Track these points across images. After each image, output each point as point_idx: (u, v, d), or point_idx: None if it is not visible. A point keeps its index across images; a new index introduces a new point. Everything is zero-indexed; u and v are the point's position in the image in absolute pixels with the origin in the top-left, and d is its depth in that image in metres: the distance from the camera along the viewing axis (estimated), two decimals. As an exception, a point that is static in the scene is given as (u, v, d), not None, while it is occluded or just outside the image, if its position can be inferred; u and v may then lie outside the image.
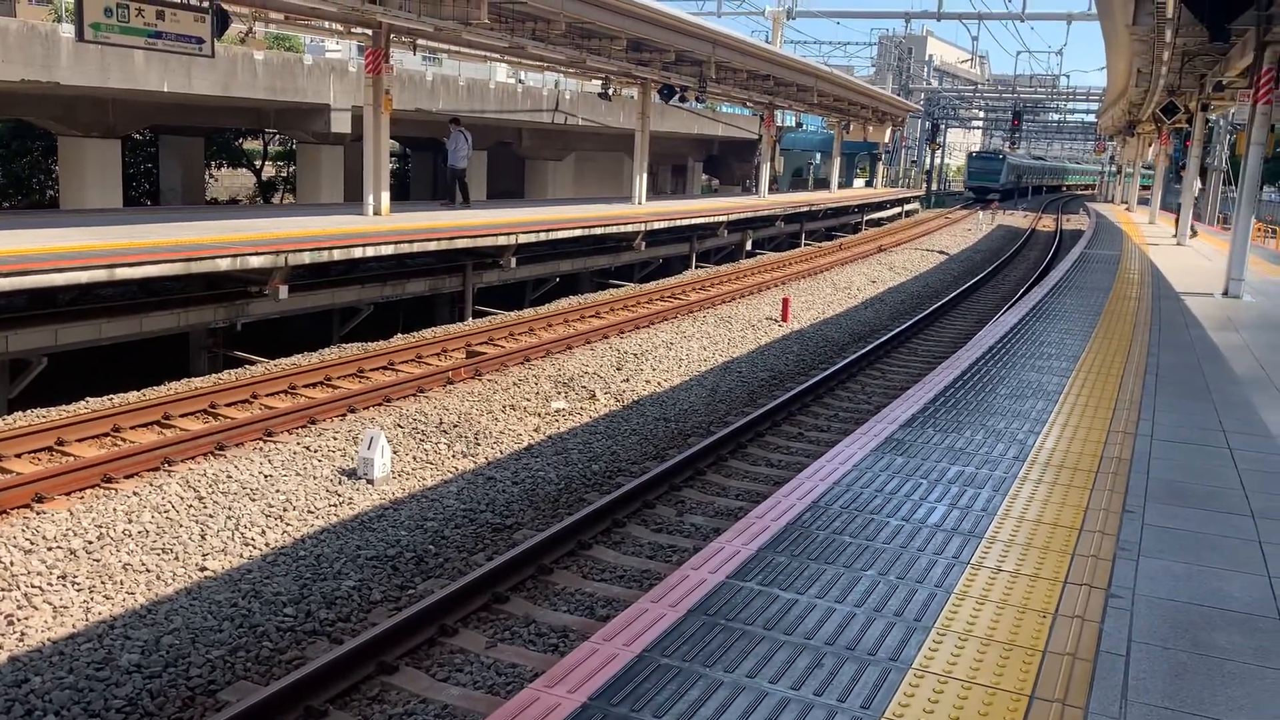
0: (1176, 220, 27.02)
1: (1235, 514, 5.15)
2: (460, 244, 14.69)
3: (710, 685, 3.27)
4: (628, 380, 11.94)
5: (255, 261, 11.45)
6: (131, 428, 9.05)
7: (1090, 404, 7.36)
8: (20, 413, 9.37)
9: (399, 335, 13.64)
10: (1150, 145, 36.88)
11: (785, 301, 16.89)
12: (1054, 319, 11.50)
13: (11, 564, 6.26)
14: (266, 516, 7.35)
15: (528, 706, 3.10)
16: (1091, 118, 63.11)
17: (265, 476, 8.02)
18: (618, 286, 19.47)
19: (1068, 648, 3.62)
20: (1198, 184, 24.79)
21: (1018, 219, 47.30)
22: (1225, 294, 14.21)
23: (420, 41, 18.83)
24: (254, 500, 7.58)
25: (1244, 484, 5.65)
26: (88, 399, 9.82)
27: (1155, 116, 26.91)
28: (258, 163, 34.61)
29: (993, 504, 5.11)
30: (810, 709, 3.15)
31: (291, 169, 32.76)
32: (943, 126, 65.43)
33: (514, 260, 16.09)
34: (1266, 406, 7.59)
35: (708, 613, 3.79)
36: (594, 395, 11.25)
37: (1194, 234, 26.20)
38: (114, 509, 7.13)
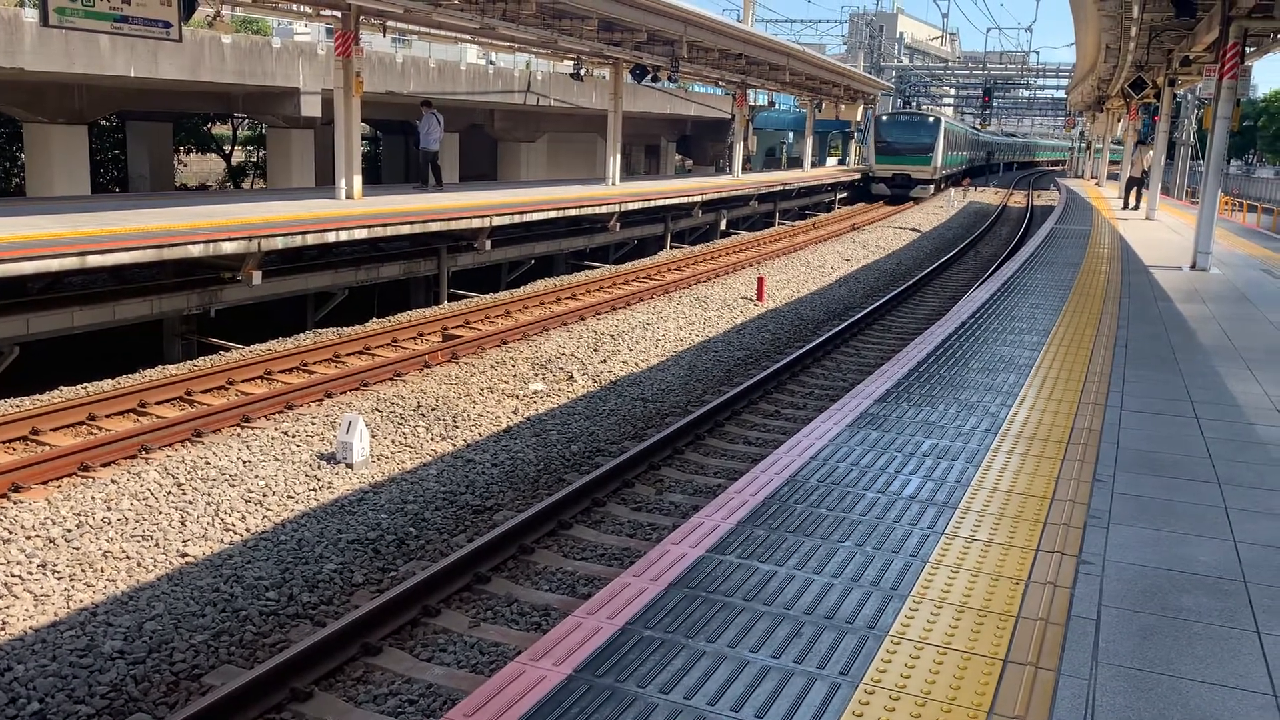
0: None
1: (1202, 481, 5.26)
2: (434, 227, 14.64)
3: (693, 655, 3.34)
4: (605, 361, 11.98)
5: (228, 247, 11.37)
6: (107, 416, 9.01)
7: (1061, 376, 7.48)
8: (-7, 403, 9.30)
9: (374, 320, 13.61)
10: (1119, 120, 37.16)
11: (760, 281, 16.95)
12: (1025, 294, 11.63)
13: (-10, 554, 6.24)
14: (246, 502, 7.36)
15: (514, 680, 3.15)
16: (1061, 94, 63.25)
17: (244, 462, 8.02)
18: (593, 268, 19.47)
19: (1040, 613, 3.71)
20: (1149, 157, 25.06)
21: (989, 196, 47.60)
22: (1193, 267, 14.39)
23: (390, 23, 18.68)
24: (233, 486, 7.58)
25: (1210, 452, 5.77)
26: (61, 388, 9.75)
27: (1124, 91, 27.10)
28: (227, 148, 34.24)
29: (966, 475, 5.20)
30: (790, 676, 3.22)
31: (261, 154, 32.45)
32: (914, 104, 64.99)
33: (489, 243, 16.06)
34: (1232, 376, 7.73)
35: (689, 586, 3.86)
36: (571, 377, 11.28)
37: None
38: (92, 497, 7.11)
